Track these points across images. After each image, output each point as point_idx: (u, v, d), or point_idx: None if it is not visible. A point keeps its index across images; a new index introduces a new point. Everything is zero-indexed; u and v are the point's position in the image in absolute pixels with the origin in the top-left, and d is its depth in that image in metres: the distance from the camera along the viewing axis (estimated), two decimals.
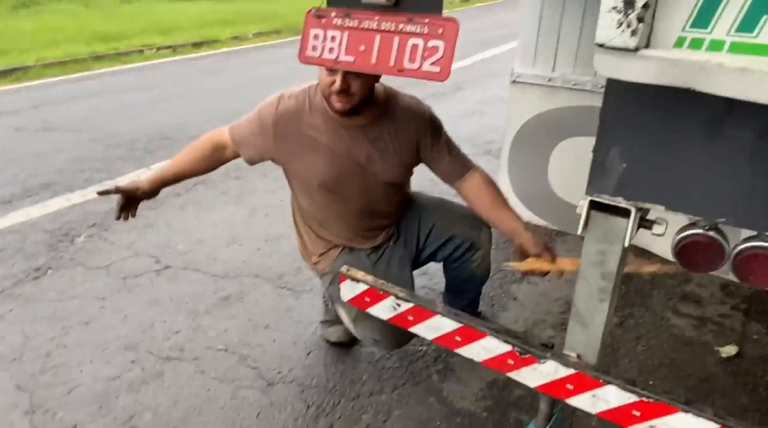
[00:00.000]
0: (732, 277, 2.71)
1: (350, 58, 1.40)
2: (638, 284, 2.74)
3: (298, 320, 2.46)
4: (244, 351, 2.28)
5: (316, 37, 1.44)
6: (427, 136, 1.90)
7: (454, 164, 1.94)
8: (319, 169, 1.87)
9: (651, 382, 2.13)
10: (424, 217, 2.09)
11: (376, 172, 1.89)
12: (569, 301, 2.59)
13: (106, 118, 5.44)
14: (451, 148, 1.94)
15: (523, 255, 1.83)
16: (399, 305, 1.75)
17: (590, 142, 1.26)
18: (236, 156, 1.97)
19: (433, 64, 1.30)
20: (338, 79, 1.68)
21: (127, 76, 7.38)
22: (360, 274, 1.84)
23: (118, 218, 1.98)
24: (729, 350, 2.29)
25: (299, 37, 1.48)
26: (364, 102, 1.78)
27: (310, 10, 1.45)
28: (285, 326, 2.43)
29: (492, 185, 1.95)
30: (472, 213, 2.02)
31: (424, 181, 2.24)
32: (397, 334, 1.90)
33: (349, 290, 1.86)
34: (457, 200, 2.09)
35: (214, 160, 1.99)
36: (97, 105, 5.91)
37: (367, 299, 1.83)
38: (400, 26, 1.32)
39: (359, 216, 1.98)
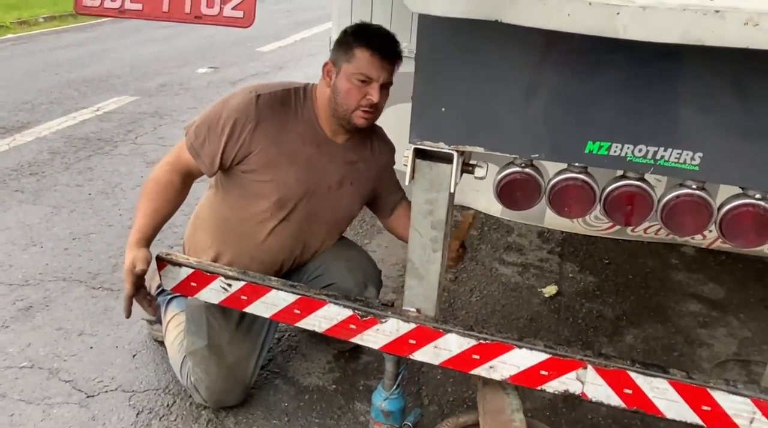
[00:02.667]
0: (549, 225, 2.96)
1: (137, 6, 1.22)
2: (467, 240, 2.86)
3: (118, 321, 2.18)
4: (54, 364, 1.97)
5: None
6: (389, 168, 1.89)
7: (397, 195, 1.91)
8: (286, 184, 1.68)
9: (485, 329, 2.22)
10: (315, 259, 1.90)
11: (342, 196, 1.78)
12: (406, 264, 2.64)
13: None
14: (394, 179, 1.91)
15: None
16: (230, 285, 1.61)
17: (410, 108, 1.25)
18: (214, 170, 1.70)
19: (234, 8, 1.17)
20: (374, 91, 1.60)
21: None
22: (182, 257, 1.67)
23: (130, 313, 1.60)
24: (550, 290, 2.48)
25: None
26: None
27: None
28: (103, 330, 2.14)
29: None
30: (367, 265, 1.94)
31: None
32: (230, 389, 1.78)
33: (171, 277, 1.68)
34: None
35: (186, 189, 1.72)
36: None
37: (194, 284, 1.67)
38: None
39: (289, 243, 1.79)
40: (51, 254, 2.63)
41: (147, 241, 1.64)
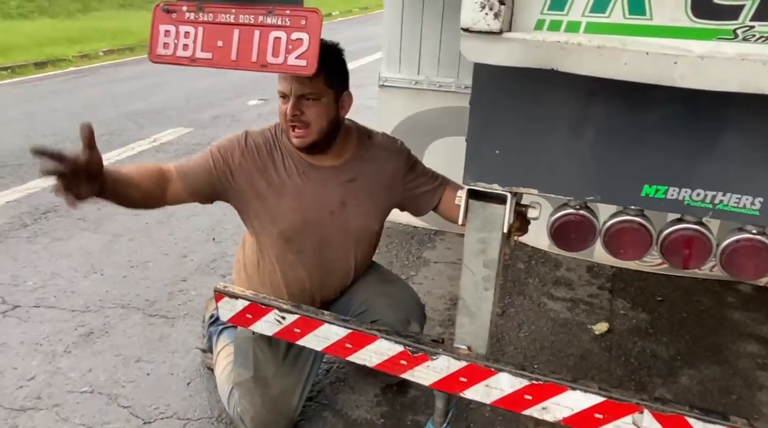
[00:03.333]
0: (598, 259, 2.92)
1: (207, 55, 1.29)
2: (514, 274, 2.85)
3: (174, 349, 2.26)
4: (114, 390, 2.04)
5: (167, 33, 1.32)
6: (404, 170, 1.81)
7: (433, 184, 1.83)
8: (283, 216, 1.72)
9: (536, 366, 2.20)
10: (358, 292, 1.93)
11: (349, 217, 1.76)
12: (453, 297, 2.64)
13: None
14: (428, 171, 1.85)
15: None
16: (284, 318, 1.65)
17: (458, 141, 1.27)
18: (179, 197, 1.67)
19: (298, 57, 1.23)
20: (289, 104, 1.58)
21: None
22: (238, 290, 1.72)
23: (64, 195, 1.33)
24: (601, 327, 2.44)
25: None
26: (329, 138, 1.67)
27: (157, 5, 1.32)
28: (160, 357, 2.22)
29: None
30: (410, 301, 1.93)
31: None
32: (275, 421, 1.80)
33: (228, 309, 1.73)
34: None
35: (159, 187, 1.61)
36: None
37: (249, 315, 1.72)
38: (260, 19, 1.24)
39: (311, 272, 1.82)
40: (111, 281, 2.75)
41: (106, 171, 1.41)
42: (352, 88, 1.71)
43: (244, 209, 1.77)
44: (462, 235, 1.35)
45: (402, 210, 1.91)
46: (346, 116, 1.77)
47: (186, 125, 5.53)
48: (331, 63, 1.62)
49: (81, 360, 2.20)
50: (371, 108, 6.38)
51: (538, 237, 3.07)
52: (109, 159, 4.51)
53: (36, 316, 2.47)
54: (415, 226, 3.32)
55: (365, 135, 1.82)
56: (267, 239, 1.78)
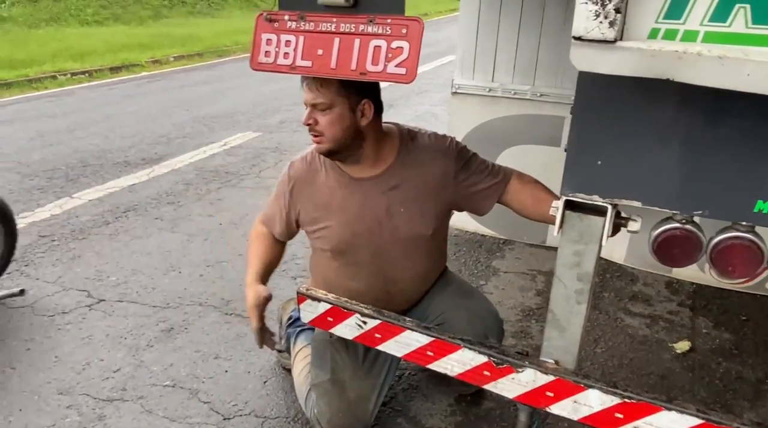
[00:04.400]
0: (677, 275, 2.81)
1: (307, 63, 1.32)
2: None
3: (250, 348, 2.31)
4: (194, 385, 2.11)
5: (268, 42, 1.36)
6: (455, 170, 1.75)
7: (493, 180, 1.77)
8: (333, 232, 1.76)
9: (629, 386, 2.13)
10: (435, 303, 1.92)
11: (397, 225, 1.74)
12: (524, 309, 2.60)
13: (20, 147, 5.06)
14: (487, 166, 1.79)
15: None
16: (365, 323, 1.66)
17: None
18: (286, 238, 1.94)
19: (398, 65, 1.24)
20: (305, 114, 1.61)
21: (41, 103, 6.93)
22: (320, 293, 1.74)
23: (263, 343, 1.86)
24: (682, 345, 2.34)
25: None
26: (349, 147, 1.65)
27: (260, 14, 1.36)
28: (236, 355, 2.28)
29: (531, 184, 1.77)
30: (487, 316, 1.91)
31: None
32: (351, 425, 1.82)
33: (310, 311, 1.75)
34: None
35: (279, 249, 1.96)
36: (8, 134, 5.50)
37: (330, 318, 1.74)
38: (361, 27, 1.26)
39: (373, 282, 1.84)
40: (188, 279, 2.84)
41: (262, 279, 1.82)
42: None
43: (308, 234, 1.86)
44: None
45: (461, 210, 1.88)
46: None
47: (254, 130, 5.67)
48: None
49: (163, 354, 2.28)
50: (435, 115, 6.42)
51: (612, 249, 2.99)
52: (183, 161, 4.68)
53: (119, 311, 2.58)
54: (483, 235, 3.29)
55: (409, 138, 1.76)
56: (325, 255, 1.84)
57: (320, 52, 1.31)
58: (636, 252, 2.92)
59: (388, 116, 1.73)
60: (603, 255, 2.98)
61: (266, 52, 1.37)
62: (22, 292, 2.61)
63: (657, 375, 2.19)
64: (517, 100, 2.96)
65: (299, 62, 1.33)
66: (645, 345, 2.36)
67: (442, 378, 1.60)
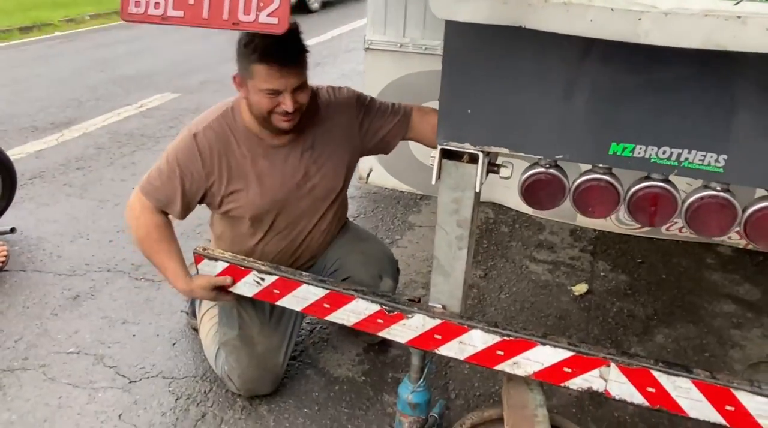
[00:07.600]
0: (581, 223, 2.95)
1: (179, 13, 1.28)
2: (498, 237, 2.88)
3: (159, 311, 2.29)
4: (100, 350, 2.08)
5: None
6: (359, 118, 1.79)
7: (395, 119, 1.81)
8: (250, 202, 1.72)
9: (511, 326, 2.24)
10: (332, 251, 1.95)
11: (315, 184, 1.76)
12: None
13: None
14: (387, 107, 1.82)
15: None
16: (263, 279, 1.68)
17: None
18: (189, 211, 1.76)
19: (269, 15, 1.22)
20: (287, 100, 1.55)
21: None
22: (217, 252, 1.74)
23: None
24: (580, 288, 2.48)
25: None
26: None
27: None
28: (145, 319, 2.25)
29: (431, 114, 1.79)
30: (382, 257, 1.95)
31: None
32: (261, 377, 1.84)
33: (208, 270, 1.75)
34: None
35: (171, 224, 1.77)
36: None
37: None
38: None
39: (284, 245, 1.84)
40: (96, 246, 2.76)
41: (188, 272, 1.76)
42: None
43: (214, 205, 1.78)
44: None
45: (369, 154, 1.92)
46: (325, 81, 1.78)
47: (173, 90, 5.46)
48: (302, 42, 1.60)
49: (67, 322, 2.23)
50: (361, 73, 6.35)
51: (521, 201, 3.09)
52: (96, 124, 4.48)
53: (22, 280, 2.49)
54: (401, 191, 3.33)
55: (313, 95, 1.76)
56: (239, 225, 1.80)
57: (191, 1, 1.27)
58: None
59: (316, 75, 1.72)
60: (512, 206, 3.10)
61: (136, 2, 1.31)
62: (12, 230, 2.70)
63: (555, 317, 2.32)
64: (429, 56, 2.96)
65: (171, 12, 1.29)
66: (546, 289, 2.49)
67: (351, 330, 1.64)
